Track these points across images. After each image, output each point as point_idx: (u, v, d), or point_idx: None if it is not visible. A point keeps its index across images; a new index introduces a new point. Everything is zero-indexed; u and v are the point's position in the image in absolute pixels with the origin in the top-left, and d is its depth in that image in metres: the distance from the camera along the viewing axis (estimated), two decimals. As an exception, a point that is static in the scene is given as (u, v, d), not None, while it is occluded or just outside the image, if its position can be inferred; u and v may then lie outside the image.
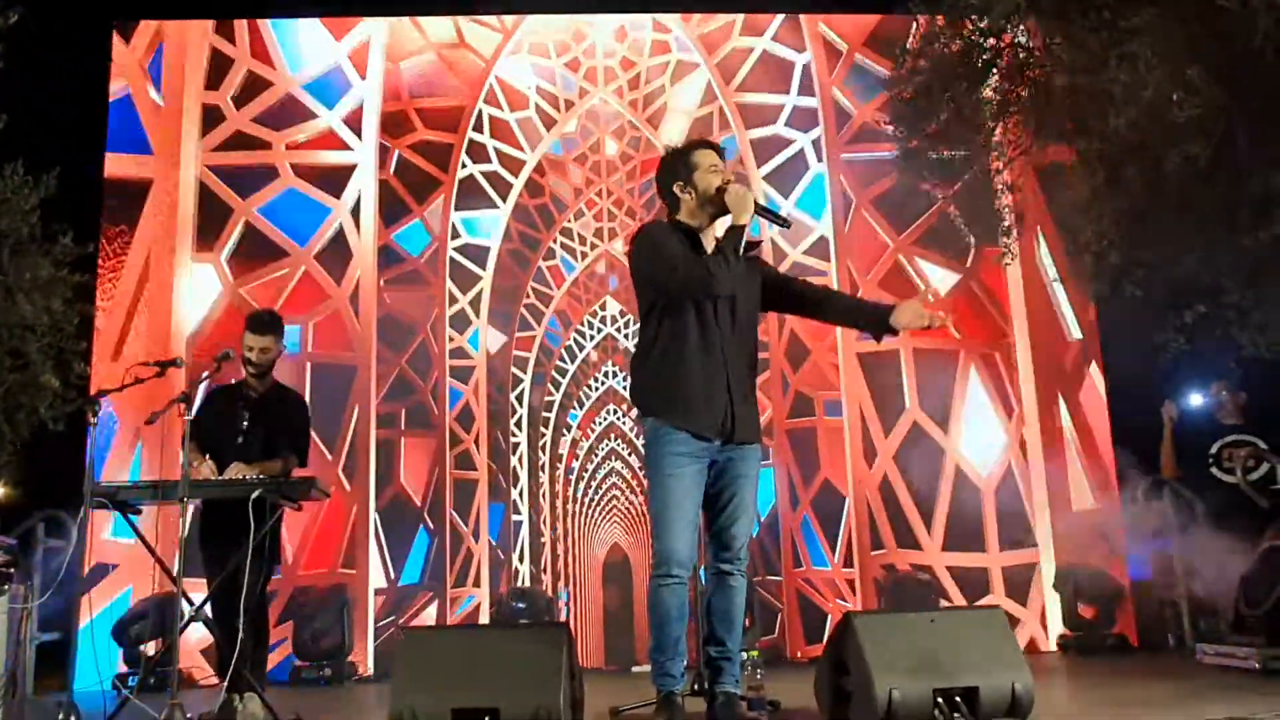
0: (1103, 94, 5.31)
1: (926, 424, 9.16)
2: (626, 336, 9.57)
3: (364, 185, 9.34)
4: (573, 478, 9.66)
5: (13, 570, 5.47)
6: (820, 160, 9.65)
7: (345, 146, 9.37)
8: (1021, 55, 5.94)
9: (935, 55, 6.12)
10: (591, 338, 9.74)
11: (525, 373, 9.43)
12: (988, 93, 6.04)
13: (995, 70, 5.99)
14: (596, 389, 9.73)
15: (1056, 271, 8.92)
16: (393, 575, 8.71)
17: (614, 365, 9.55)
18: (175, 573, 4.22)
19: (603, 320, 9.79)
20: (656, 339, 3.58)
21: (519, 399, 9.36)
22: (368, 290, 9.20)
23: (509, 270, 9.51)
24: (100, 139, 8.63)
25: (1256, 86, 5.33)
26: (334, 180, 9.29)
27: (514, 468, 9.35)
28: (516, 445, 9.34)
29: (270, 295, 8.92)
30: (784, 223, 3.79)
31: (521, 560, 9.09)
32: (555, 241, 9.87)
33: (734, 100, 9.76)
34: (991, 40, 5.94)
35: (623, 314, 9.65)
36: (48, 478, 7.06)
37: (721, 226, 3.65)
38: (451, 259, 9.48)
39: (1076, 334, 9.08)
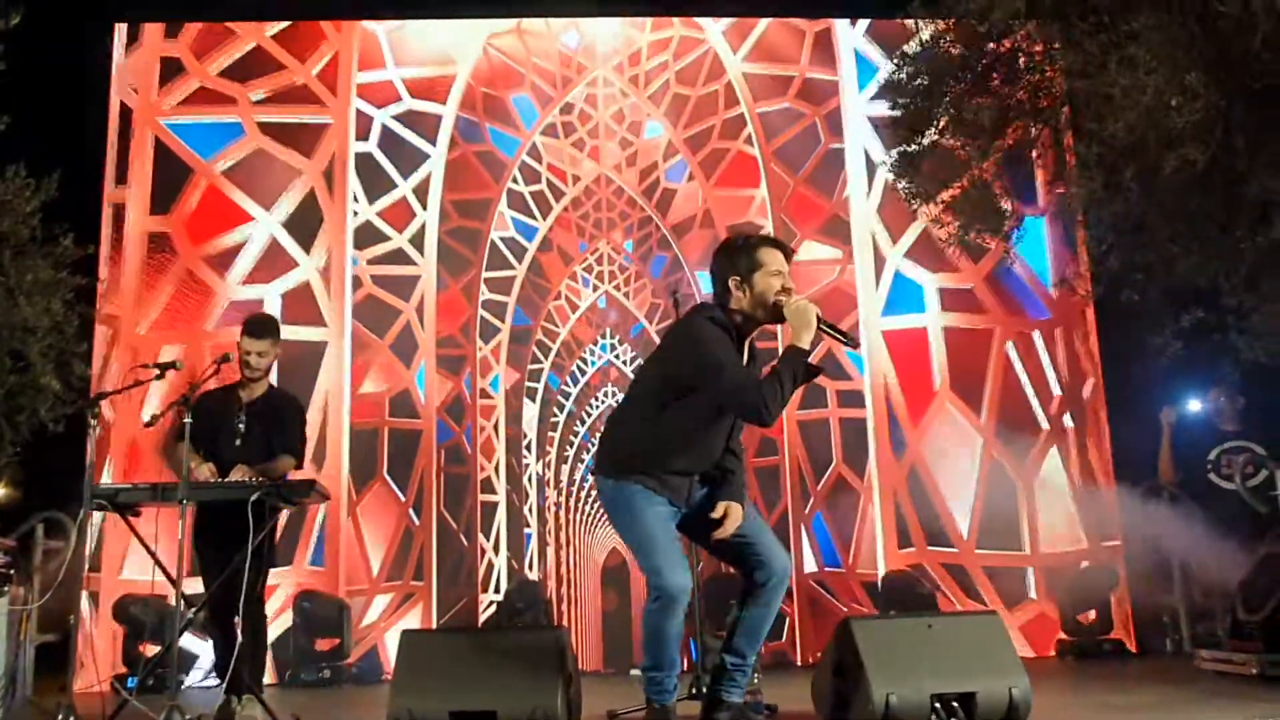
0: (1101, 97, 5.31)
1: (959, 405, 9.06)
2: (625, 363, 9.85)
3: (426, 289, 9.56)
4: (574, 489, 9.91)
5: (12, 572, 5.48)
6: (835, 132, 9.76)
7: (412, 261, 9.53)
8: (1021, 59, 5.94)
9: (934, 59, 6.12)
10: (593, 364, 10.08)
11: (534, 401, 9.89)
12: (987, 98, 6.04)
13: (995, 74, 6.00)
14: (598, 407, 10.07)
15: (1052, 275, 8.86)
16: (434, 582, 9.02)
17: (612, 386, 9.82)
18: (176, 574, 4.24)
19: (603, 348, 10.15)
20: (665, 412, 3.46)
21: (529, 425, 9.83)
22: (430, 369, 9.45)
23: (522, 316, 9.96)
24: (102, 140, 8.64)
25: (1255, 91, 5.34)
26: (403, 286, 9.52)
27: (525, 486, 9.65)
28: (526, 466, 9.68)
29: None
30: (853, 343, 3.52)
31: (531, 568, 9.33)
32: (563, 285, 10.28)
33: (713, 194, 10.01)
34: (991, 44, 5.94)
35: (620, 341, 10.00)
36: (47, 479, 7.07)
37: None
38: (482, 319, 9.84)
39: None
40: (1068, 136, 5.99)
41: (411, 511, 9.10)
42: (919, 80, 6.10)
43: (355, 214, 9.40)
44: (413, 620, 8.73)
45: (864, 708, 3.45)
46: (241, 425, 4.76)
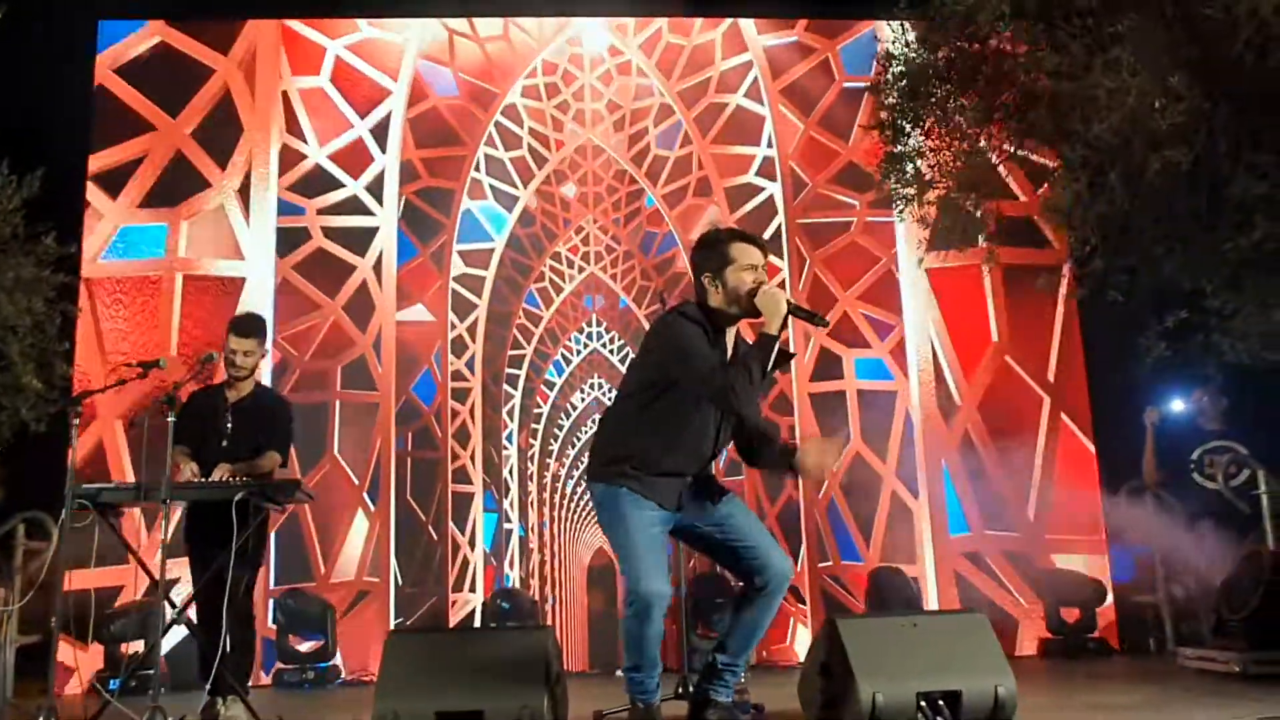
0: (1086, 99, 5.34)
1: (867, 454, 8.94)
2: (612, 352, 9.54)
3: (385, 244, 9.05)
4: (559, 485, 9.58)
5: (-7, 572, 5.44)
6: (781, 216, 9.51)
7: (369, 212, 9.12)
8: (1006, 61, 5.96)
9: (919, 61, 6.14)
10: (578, 353, 9.71)
11: (516, 389, 9.35)
12: (971, 98, 6.06)
13: (980, 76, 6.02)
14: (583, 400, 9.69)
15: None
16: (400, 581, 8.50)
17: (599, 379, 9.47)
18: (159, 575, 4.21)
19: (589, 335, 9.77)
20: (647, 411, 3.49)
21: (510, 414, 9.27)
22: (388, 337, 8.89)
23: (502, 296, 9.47)
24: (85, 138, 8.57)
25: (1238, 94, 5.38)
26: (359, 240, 9.03)
27: (505, 479, 9.22)
28: (507, 458, 9.24)
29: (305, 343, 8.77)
30: (821, 321, 3.59)
31: (511, 566, 8.92)
32: (545, 265, 9.84)
33: (709, 151, 9.70)
34: (976, 46, 5.96)
35: (607, 329, 9.62)
36: (28, 479, 7.01)
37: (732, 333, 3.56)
38: (455, 292, 9.27)
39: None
40: (1053, 138, 6.02)
41: (366, 496, 8.52)
42: (904, 81, 6.12)
43: (306, 158, 8.97)
44: (367, 620, 8.23)
45: (851, 707, 3.46)
46: (229, 425, 4.74)
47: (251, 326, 4.87)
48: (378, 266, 8.95)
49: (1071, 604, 7.99)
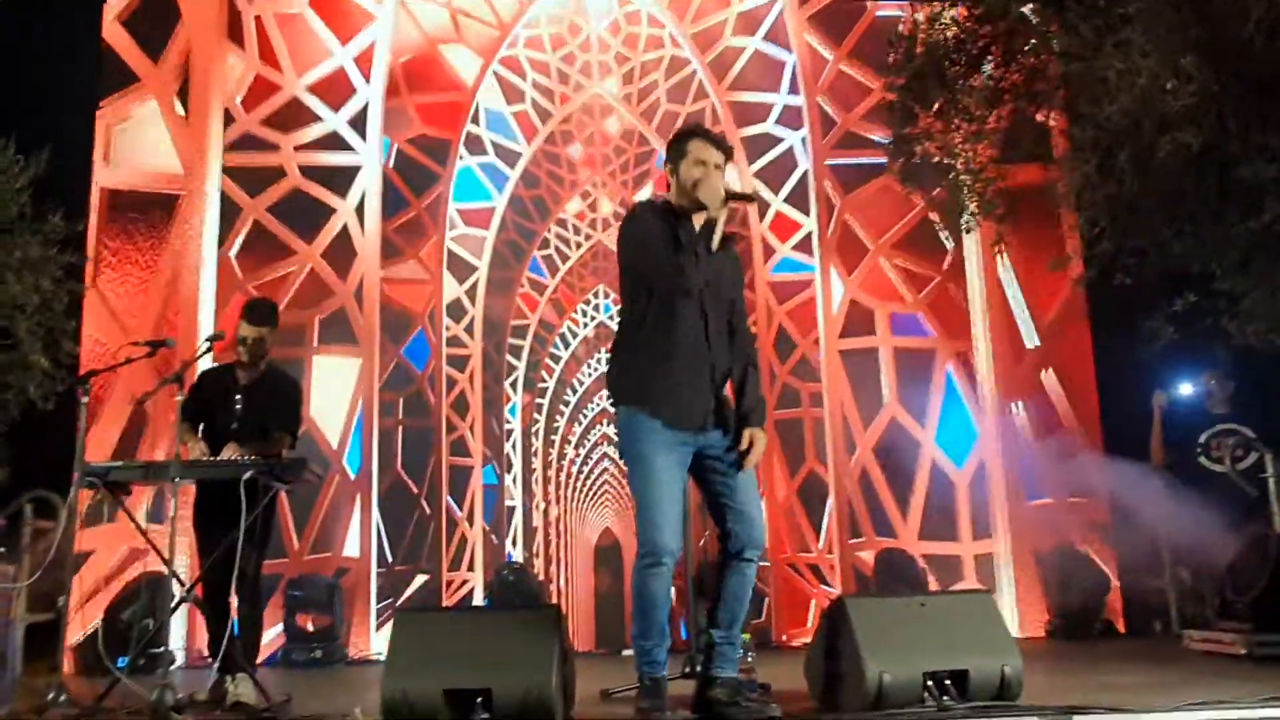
0: (1096, 80, 5.31)
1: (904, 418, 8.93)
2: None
3: (368, 185, 8.40)
4: (565, 463, 9.49)
5: (2, 550, 5.45)
6: (807, 159, 9.29)
7: (350, 148, 8.48)
8: (1016, 42, 5.93)
9: (929, 41, 6.12)
10: (585, 325, 9.53)
11: (520, 360, 9.09)
12: (981, 80, 6.04)
13: (990, 57, 5.99)
14: (590, 374, 9.55)
15: (1017, 279, 8.79)
16: (390, 559, 8.26)
17: (606, 353, 9.31)
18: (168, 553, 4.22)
19: (595, 308, 9.62)
20: (639, 325, 3.56)
21: (513, 386, 9.00)
22: (370, 286, 8.21)
23: (504, 259, 9.12)
24: (91, 117, 8.54)
25: (1248, 76, 5.35)
26: (339, 179, 8.40)
27: (507, 453, 8.99)
28: (510, 432, 8.99)
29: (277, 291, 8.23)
30: (750, 198, 3.82)
31: (515, 545, 8.68)
32: (550, 231, 9.61)
33: (725, 99, 9.45)
34: (986, 27, 5.93)
35: (615, 302, 9.44)
36: (35, 459, 7.03)
37: (699, 221, 3.63)
38: (449, 251, 8.75)
39: (1033, 341, 8.92)
40: (1062, 119, 5.99)
41: (346, 465, 7.90)
42: (915, 61, 6.09)
43: (280, 89, 8.32)
44: (346, 600, 7.86)
45: (857, 686, 3.46)
46: (238, 406, 4.75)
47: (265, 314, 4.87)
48: (360, 210, 8.21)
49: (1079, 587, 8.00)
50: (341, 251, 8.28)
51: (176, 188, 8.15)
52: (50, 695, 4.14)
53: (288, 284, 8.26)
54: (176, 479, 4.14)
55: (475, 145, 9.25)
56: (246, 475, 4.20)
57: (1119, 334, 7.82)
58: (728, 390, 3.64)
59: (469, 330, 8.95)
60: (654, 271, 3.52)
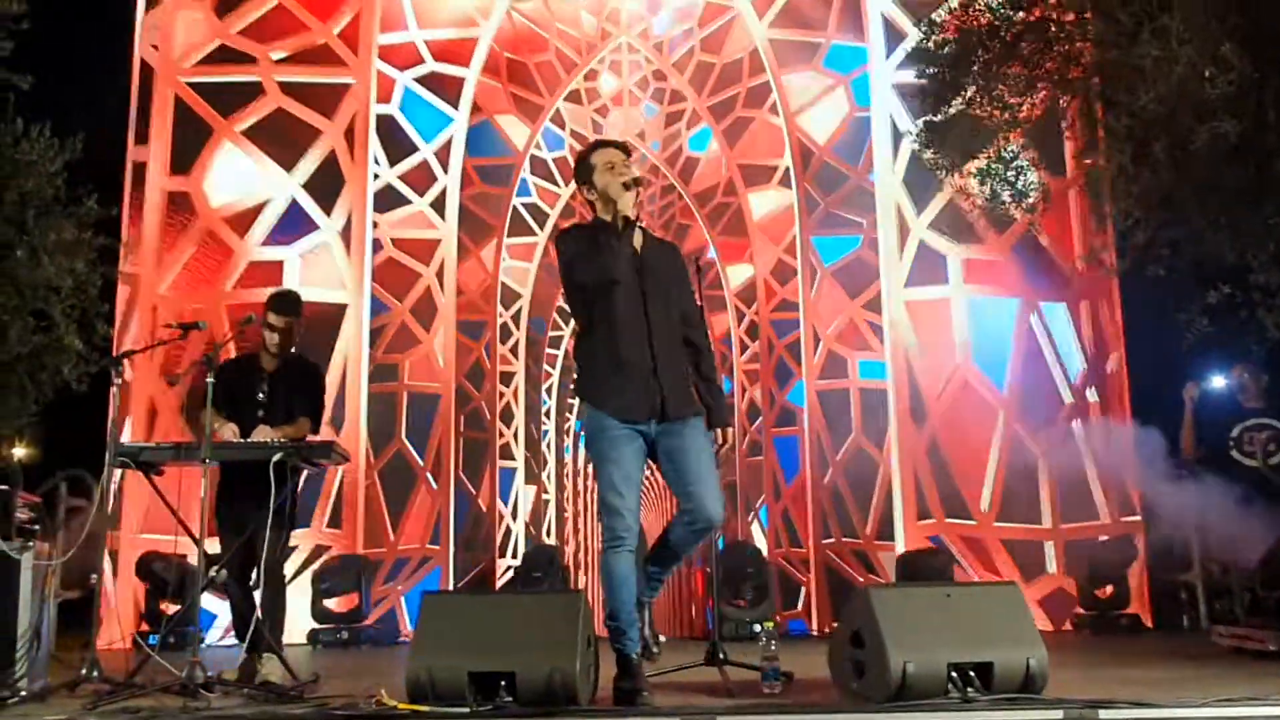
0: (1133, 69, 5.24)
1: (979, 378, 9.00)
2: None
3: (446, 254, 9.80)
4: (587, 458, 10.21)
5: (37, 527, 5.52)
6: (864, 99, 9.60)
7: (432, 225, 9.63)
8: (1051, 29, 5.85)
9: (964, 28, 6.04)
10: None
11: (554, 369, 9.94)
12: (1016, 67, 5.96)
13: (1024, 43, 5.91)
14: None
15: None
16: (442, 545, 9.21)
17: None
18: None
19: None
20: (589, 332, 3.73)
21: (548, 391, 9.90)
22: (449, 337, 9.60)
23: (544, 282, 10.02)
24: (125, 100, 8.63)
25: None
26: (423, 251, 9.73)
27: (543, 453, 9.91)
28: (545, 432, 9.96)
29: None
30: (638, 183, 3.84)
31: (549, 535, 9.51)
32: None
33: (766, 36, 9.80)
34: (1021, 13, 5.86)
35: None
36: (68, 438, 7.11)
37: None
38: (504, 285, 10.03)
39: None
40: (1097, 108, 5.91)
41: (430, 476, 9.10)
42: (948, 48, 6.02)
43: (376, 177, 9.39)
44: (430, 584, 8.87)
45: (881, 676, 3.45)
46: (263, 395, 4.79)
47: (290, 305, 4.92)
48: (440, 273, 9.63)
49: (1108, 566, 7.95)
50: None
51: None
52: (83, 670, 4.20)
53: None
54: (207, 460, 4.18)
55: (521, 189, 10.50)
56: (276, 457, 4.24)
57: (1151, 324, 7.74)
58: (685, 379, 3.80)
59: (514, 351, 10.23)
60: (585, 274, 3.67)
